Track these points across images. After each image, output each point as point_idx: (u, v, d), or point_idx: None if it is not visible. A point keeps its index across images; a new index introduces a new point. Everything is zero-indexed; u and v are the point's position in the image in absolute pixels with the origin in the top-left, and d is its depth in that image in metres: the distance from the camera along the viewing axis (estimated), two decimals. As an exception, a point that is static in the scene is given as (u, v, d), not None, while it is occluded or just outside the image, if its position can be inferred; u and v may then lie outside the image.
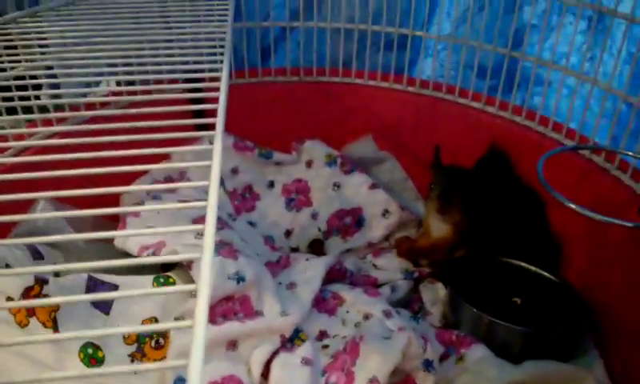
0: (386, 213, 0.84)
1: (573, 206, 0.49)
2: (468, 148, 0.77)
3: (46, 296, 0.53)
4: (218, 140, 0.39)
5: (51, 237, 0.33)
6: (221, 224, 0.72)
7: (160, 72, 0.71)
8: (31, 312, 0.51)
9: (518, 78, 0.76)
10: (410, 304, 0.74)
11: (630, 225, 0.47)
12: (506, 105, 0.79)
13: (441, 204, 0.72)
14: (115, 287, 0.59)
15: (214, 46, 0.60)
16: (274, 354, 0.59)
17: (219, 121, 0.44)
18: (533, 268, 0.72)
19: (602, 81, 0.67)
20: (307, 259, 0.73)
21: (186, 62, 0.72)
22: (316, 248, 0.85)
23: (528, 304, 0.71)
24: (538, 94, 0.82)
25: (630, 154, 0.58)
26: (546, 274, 0.71)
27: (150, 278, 0.61)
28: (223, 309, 0.60)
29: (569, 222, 0.71)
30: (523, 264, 0.73)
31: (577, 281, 0.68)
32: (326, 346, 0.63)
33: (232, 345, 0.58)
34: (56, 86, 0.76)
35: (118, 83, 0.84)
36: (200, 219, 0.71)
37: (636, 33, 0.70)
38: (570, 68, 0.71)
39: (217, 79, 0.51)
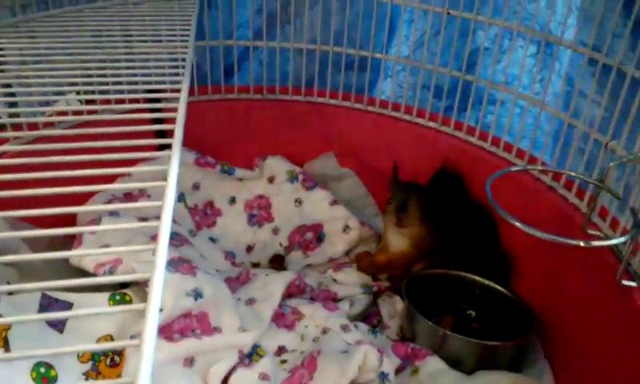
0: (346, 228, 0.86)
1: (518, 224, 0.51)
2: (424, 166, 0.80)
3: (-3, 316, 0.52)
4: (175, 159, 0.40)
5: (4, 257, 0.33)
6: (180, 240, 0.72)
7: (122, 91, 0.71)
8: (-20, 331, 0.50)
9: (472, 98, 0.79)
10: (368, 318, 0.75)
11: (579, 243, 0.49)
12: (460, 125, 0.82)
13: (398, 216, 0.74)
14: (70, 305, 0.58)
15: (177, 66, 0.61)
16: (232, 370, 0.59)
17: (176, 139, 0.45)
18: (486, 282, 0.75)
19: (551, 102, 0.71)
20: (267, 275, 0.74)
21: (148, 82, 0.72)
22: (277, 263, 0.85)
23: (482, 316, 0.74)
24: (492, 113, 0.85)
25: (574, 173, 0.61)
26: (498, 287, 0.74)
27: (105, 295, 0.61)
28: (181, 326, 0.59)
29: (519, 238, 0.74)
30: (477, 278, 0.75)
31: (527, 294, 0.71)
32: (284, 361, 0.63)
33: (189, 361, 0.58)
34: (14, 105, 0.75)
35: (80, 102, 0.83)
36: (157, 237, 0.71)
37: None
38: (522, 89, 0.75)
39: (177, 98, 0.52)
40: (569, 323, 0.66)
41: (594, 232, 0.62)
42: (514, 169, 0.66)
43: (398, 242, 0.78)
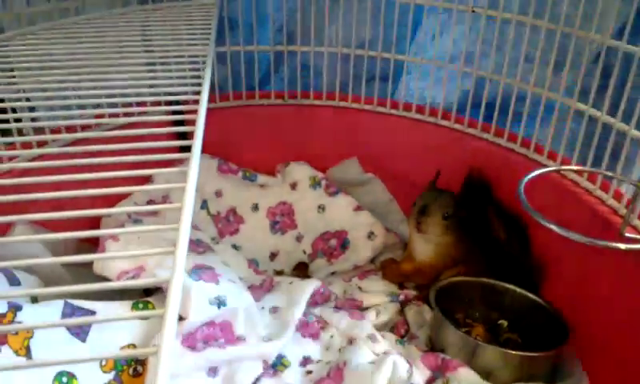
0: (371, 235, 0.84)
1: (553, 226, 0.49)
2: (452, 170, 0.77)
3: (19, 323, 0.51)
4: (195, 160, 0.39)
5: (25, 261, 0.32)
6: (203, 247, 0.71)
7: (142, 95, 0.71)
8: (3, 340, 0.49)
9: (500, 100, 0.77)
10: (395, 327, 0.72)
11: (619, 246, 0.47)
12: (488, 127, 0.80)
13: (417, 220, 0.72)
14: (92, 313, 0.57)
15: (197, 69, 0.60)
16: (257, 380, 0.57)
17: (196, 141, 0.44)
18: (518, 290, 0.72)
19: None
20: (291, 282, 0.72)
21: (169, 85, 0.72)
22: (301, 271, 0.84)
23: (514, 326, 0.71)
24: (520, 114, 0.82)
25: (611, 173, 0.58)
26: (531, 295, 0.71)
27: (128, 303, 0.60)
28: (204, 334, 0.58)
29: (552, 243, 0.71)
30: (508, 286, 0.72)
31: (561, 302, 0.68)
32: (309, 372, 0.61)
33: (213, 371, 0.57)
34: (32, 109, 0.76)
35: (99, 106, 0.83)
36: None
37: None
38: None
39: (198, 101, 0.51)
40: (607, 333, 0.62)
41: (633, 235, 0.58)
42: (546, 170, 0.63)
43: (423, 248, 0.76)
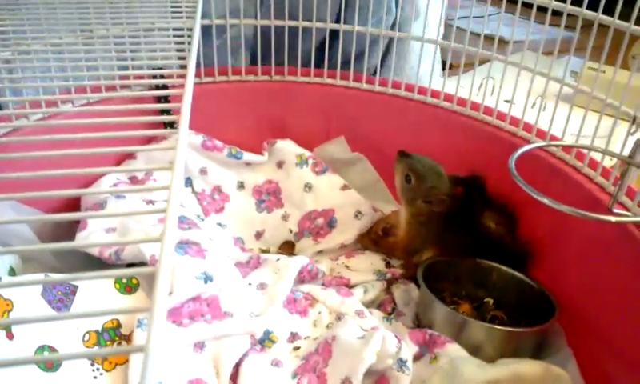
0: (358, 214, 0.83)
1: (545, 200, 0.49)
2: (440, 148, 0.77)
3: (-2, 295, 0.49)
4: (183, 138, 0.37)
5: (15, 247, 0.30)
6: (188, 224, 0.70)
7: (125, 68, 0.69)
8: (-19, 313, 0.47)
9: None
10: (382, 305, 0.72)
11: (610, 219, 0.47)
12: (477, 105, 0.79)
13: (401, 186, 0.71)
14: (74, 288, 0.56)
15: (182, 42, 0.59)
16: (244, 355, 0.56)
17: (183, 118, 0.42)
18: (504, 268, 0.72)
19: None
20: (278, 260, 0.71)
21: (154, 58, 0.69)
22: (287, 250, 0.83)
23: (501, 304, 0.71)
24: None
25: (600, 149, 0.58)
26: (517, 273, 0.71)
27: (111, 278, 0.59)
28: (190, 310, 0.57)
29: (537, 222, 0.71)
30: (494, 264, 0.72)
31: (549, 280, 0.68)
32: (297, 348, 0.61)
33: (199, 347, 0.56)
34: (16, 81, 0.73)
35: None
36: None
37: None
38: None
39: (183, 76, 0.49)
40: (593, 310, 0.63)
41: (621, 211, 0.59)
42: (536, 145, 0.63)
43: (400, 216, 0.76)
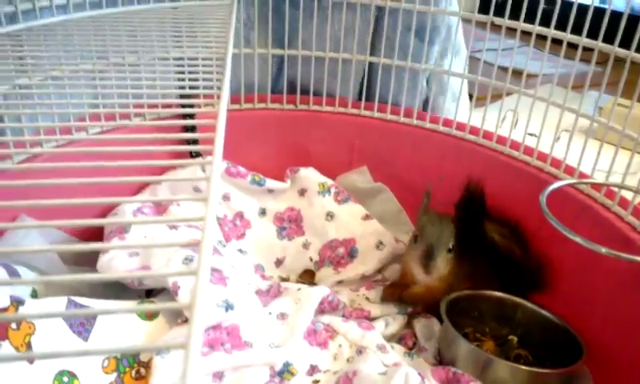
0: (380, 245, 0.82)
1: (579, 239, 0.47)
2: (463, 181, 0.76)
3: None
4: (217, 167, 0.37)
5: (28, 248, 0.30)
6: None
7: (155, 96, 0.70)
8: (3, 335, 0.47)
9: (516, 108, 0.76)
10: (403, 339, 0.71)
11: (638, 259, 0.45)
12: (503, 139, 0.79)
13: (424, 264, 0.67)
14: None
15: (211, 72, 0.59)
16: (262, 387, 0.56)
17: (217, 149, 0.42)
18: (530, 305, 0.70)
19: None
20: (299, 289, 0.71)
21: (183, 87, 0.70)
22: (307, 278, 0.82)
23: (525, 342, 0.69)
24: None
25: (633, 187, 0.57)
26: (544, 311, 0.69)
27: (132, 304, 0.58)
28: (210, 338, 0.56)
29: (565, 260, 0.69)
30: (520, 301, 0.71)
31: (573, 319, 0.66)
32: (316, 381, 0.59)
33: (218, 377, 0.55)
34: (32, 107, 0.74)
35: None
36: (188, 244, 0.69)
37: None
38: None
39: (212, 104, 0.50)
40: (623, 352, 0.61)
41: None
42: (566, 182, 0.62)
43: (428, 281, 0.71)
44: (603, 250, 0.46)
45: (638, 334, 0.59)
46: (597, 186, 0.66)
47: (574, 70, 0.66)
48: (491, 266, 0.73)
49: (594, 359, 0.62)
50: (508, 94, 0.77)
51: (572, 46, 0.67)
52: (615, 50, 0.62)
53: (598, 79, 0.65)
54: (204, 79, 0.61)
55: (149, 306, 0.33)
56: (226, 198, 0.84)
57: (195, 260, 0.64)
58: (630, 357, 0.59)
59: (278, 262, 0.84)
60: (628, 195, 0.63)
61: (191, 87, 0.74)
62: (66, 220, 0.32)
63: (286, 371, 0.59)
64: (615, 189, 0.64)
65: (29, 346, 0.48)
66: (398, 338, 0.71)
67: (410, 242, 0.74)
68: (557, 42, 0.68)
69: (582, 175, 0.68)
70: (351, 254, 0.83)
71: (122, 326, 0.56)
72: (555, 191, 0.64)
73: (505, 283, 0.72)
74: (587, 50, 0.66)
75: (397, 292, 0.76)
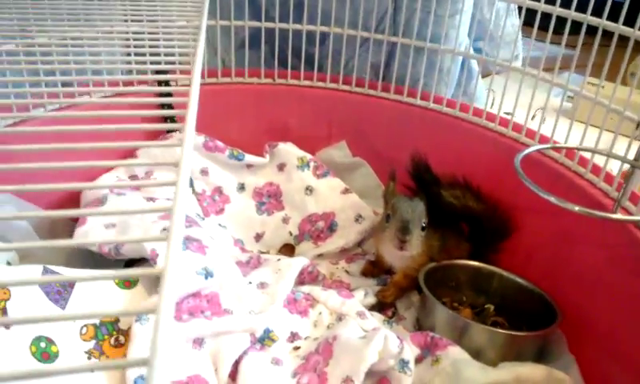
0: (359, 218, 0.83)
1: (552, 199, 0.48)
2: (440, 154, 0.77)
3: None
4: (190, 133, 0.37)
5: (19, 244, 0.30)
6: (189, 222, 0.69)
7: (129, 63, 0.68)
8: (-23, 300, 0.47)
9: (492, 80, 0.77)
10: (382, 309, 0.72)
11: (616, 217, 0.46)
12: (479, 112, 0.80)
13: (400, 240, 0.67)
14: (72, 281, 0.55)
15: (187, 40, 0.58)
16: (243, 353, 0.56)
17: (190, 113, 0.41)
18: (505, 274, 0.72)
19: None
20: (279, 260, 0.71)
21: (157, 54, 0.69)
22: (287, 253, 0.82)
23: (502, 310, 0.71)
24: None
25: (605, 152, 0.58)
26: (519, 279, 0.71)
27: (108, 271, 0.58)
28: (190, 306, 0.56)
29: (540, 229, 0.71)
30: (497, 270, 0.72)
31: (548, 287, 0.68)
32: (297, 348, 0.60)
33: (198, 343, 0.55)
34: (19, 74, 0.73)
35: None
36: (166, 215, 0.68)
37: None
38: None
39: (188, 72, 0.49)
40: (596, 316, 0.63)
41: (625, 216, 0.59)
42: (541, 146, 0.63)
43: (404, 261, 0.72)
44: (576, 207, 0.47)
45: (608, 298, 0.61)
46: (571, 154, 0.68)
47: (545, 52, 0.68)
48: (459, 231, 0.75)
49: (568, 324, 0.64)
50: (485, 76, 0.78)
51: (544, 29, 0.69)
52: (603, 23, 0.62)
53: (582, 62, 0.66)
54: (180, 54, 0.60)
55: (123, 272, 0.33)
56: (204, 172, 0.83)
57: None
58: (603, 320, 0.61)
59: (258, 237, 0.84)
60: (600, 162, 0.65)
61: (167, 62, 0.73)
62: (40, 184, 0.31)
63: (266, 338, 0.59)
64: (587, 156, 0.65)
65: (4, 311, 0.47)
66: (377, 309, 0.72)
67: (381, 221, 0.74)
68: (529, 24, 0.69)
69: (543, 140, 0.69)
70: (331, 228, 0.84)
71: (99, 295, 0.55)
72: (530, 159, 0.65)
73: (475, 242, 0.74)
74: (558, 33, 0.67)
75: (376, 270, 0.77)
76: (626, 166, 0.59)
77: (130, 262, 0.63)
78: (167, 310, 0.22)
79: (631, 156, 0.56)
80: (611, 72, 0.62)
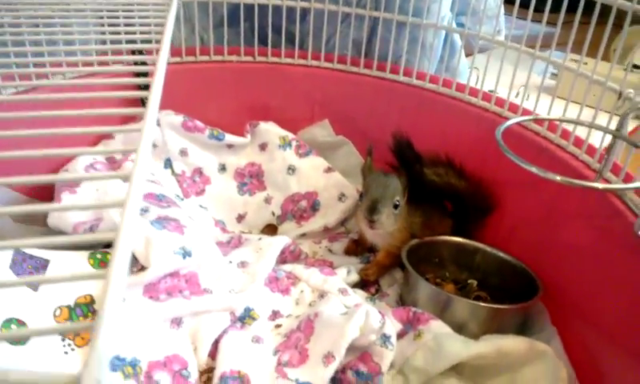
0: (342, 197, 0.82)
1: (533, 169, 0.48)
2: (424, 130, 0.76)
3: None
4: (156, 93, 0.35)
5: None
6: (167, 202, 0.68)
7: (104, 42, 0.66)
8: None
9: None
10: (366, 286, 0.71)
11: (597, 186, 0.46)
12: (462, 87, 0.79)
13: (369, 219, 0.66)
14: (45, 262, 0.54)
15: (163, 16, 0.57)
16: (223, 332, 0.55)
17: (158, 71, 0.40)
18: (488, 249, 0.72)
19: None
20: (260, 239, 0.70)
21: (133, 32, 0.67)
22: (269, 233, 0.81)
23: (485, 285, 0.71)
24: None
25: (587, 123, 0.58)
26: (501, 254, 0.70)
27: (85, 254, 0.56)
28: (168, 286, 0.55)
29: (521, 203, 0.71)
30: (478, 245, 0.72)
31: (530, 261, 0.68)
32: (278, 326, 0.59)
33: (176, 323, 0.54)
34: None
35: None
36: (144, 196, 0.67)
37: None
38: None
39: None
40: (577, 288, 0.62)
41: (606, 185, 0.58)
42: (522, 118, 0.62)
43: (381, 239, 0.71)
44: (558, 177, 0.46)
45: (590, 270, 0.61)
46: (553, 127, 0.67)
47: (526, 29, 0.67)
48: (441, 208, 0.75)
49: (551, 296, 0.64)
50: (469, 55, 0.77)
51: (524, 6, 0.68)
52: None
53: (564, 40, 0.65)
54: (156, 32, 0.58)
55: (73, 239, 0.31)
56: (183, 153, 0.82)
57: (151, 210, 0.62)
58: (584, 291, 0.61)
59: (240, 218, 0.83)
60: (583, 135, 0.64)
61: (143, 40, 0.71)
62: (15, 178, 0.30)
63: (247, 317, 0.58)
64: (570, 129, 0.65)
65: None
66: (361, 286, 0.72)
67: (357, 200, 0.74)
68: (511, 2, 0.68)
69: (526, 113, 0.69)
70: (314, 207, 0.83)
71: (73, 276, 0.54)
72: (513, 133, 0.64)
73: (458, 218, 0.74)
74: (538, 11, 0.66)
75: (359, 249, 0.77)
76: (609, 140, 0.58)
77: (108, 246, 0.62)
78: (119, 270, 0.21)
79: (613, 128, 0.56)
80: (592, 50, 0.61)
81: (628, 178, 0.57)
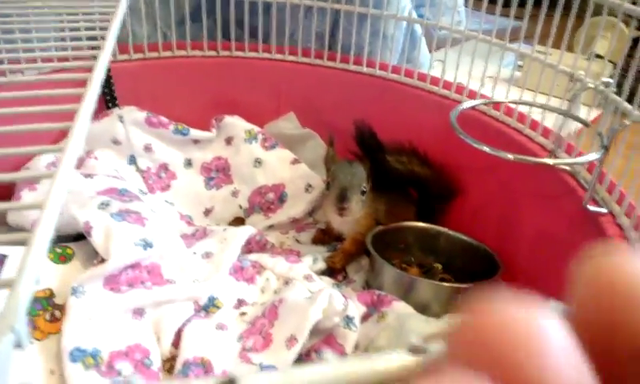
0: (309, 187, 0.82)
1: (485, 148, 0.49)
2: (389, 120, 0.77)
3: None
4: (106, 54, 0.36)
5: None
6: (130, 197, 0.67)
7: (47, 40, 0.65)
8: None
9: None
10: (332, 274, 0.72)
11: (549, 162, 0.47)
12: (423, 76, 0.80)
13: (339, 207, 0.67)
14: (3, 258, 0.53)
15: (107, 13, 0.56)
16: (186, 321, 0.55)
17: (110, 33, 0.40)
18: (452, 232, 0.73)
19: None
20: (225, 230, 0.70)
21: (95, 37, 0.67)
22: (237, 226, 0.81)
23: (449, 268, 0.72)
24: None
25: (538, 104, 0.59)
26: (465, 237, 0.72)
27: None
28: (129, 277, 0.55)
29: (480, 187, 0.72)
30: (441, 229, 0.73)
31: (492, 242, 0.69)
32: (243, 314, 0.59)
33: (138, 313, 0.54)
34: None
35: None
36: (105, 191, 0.66)
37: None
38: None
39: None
40: (533, 264, 0.64)
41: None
42: (478, 101, 0.64)
43: (349, 227, 0.72)
44: (510, 155, 0.48)
45: (549, 249, 0.62)
46: (510, 111, 0.69)
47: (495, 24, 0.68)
48: (405, 195, 0.76)
49: (512, 276, 0.65)
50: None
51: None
52: None
53: (530, 33, 0.66)
54: (100, 28, 0.58)
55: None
56: (148, 149, 0.81)
57: (112, 204, 0.61)
58: (543, 270, 0.62)
59: (207, 212, 0.83)
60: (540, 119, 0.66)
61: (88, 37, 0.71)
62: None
63: (211, 305, 0.58)
64: (525, 112, 0.66)
65: None
66: (328, 274, 0.72)
67: (323, 190, 0.74)
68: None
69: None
70: (281, 199, 0.83)
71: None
72: (471, 118, 0.66)
73: (422, 204, 0.75)
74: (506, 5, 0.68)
75: (327, 238, 0.77)
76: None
77: (73, 238, 0.61)
78: (41, 241, 0.21)
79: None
80: (557, 42, 0.63)
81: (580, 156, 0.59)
